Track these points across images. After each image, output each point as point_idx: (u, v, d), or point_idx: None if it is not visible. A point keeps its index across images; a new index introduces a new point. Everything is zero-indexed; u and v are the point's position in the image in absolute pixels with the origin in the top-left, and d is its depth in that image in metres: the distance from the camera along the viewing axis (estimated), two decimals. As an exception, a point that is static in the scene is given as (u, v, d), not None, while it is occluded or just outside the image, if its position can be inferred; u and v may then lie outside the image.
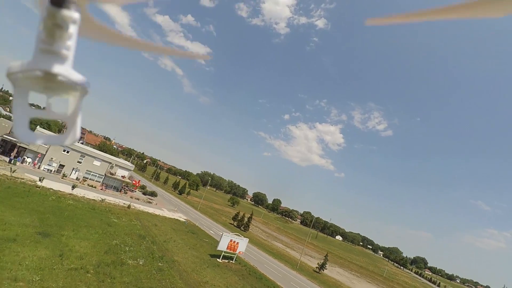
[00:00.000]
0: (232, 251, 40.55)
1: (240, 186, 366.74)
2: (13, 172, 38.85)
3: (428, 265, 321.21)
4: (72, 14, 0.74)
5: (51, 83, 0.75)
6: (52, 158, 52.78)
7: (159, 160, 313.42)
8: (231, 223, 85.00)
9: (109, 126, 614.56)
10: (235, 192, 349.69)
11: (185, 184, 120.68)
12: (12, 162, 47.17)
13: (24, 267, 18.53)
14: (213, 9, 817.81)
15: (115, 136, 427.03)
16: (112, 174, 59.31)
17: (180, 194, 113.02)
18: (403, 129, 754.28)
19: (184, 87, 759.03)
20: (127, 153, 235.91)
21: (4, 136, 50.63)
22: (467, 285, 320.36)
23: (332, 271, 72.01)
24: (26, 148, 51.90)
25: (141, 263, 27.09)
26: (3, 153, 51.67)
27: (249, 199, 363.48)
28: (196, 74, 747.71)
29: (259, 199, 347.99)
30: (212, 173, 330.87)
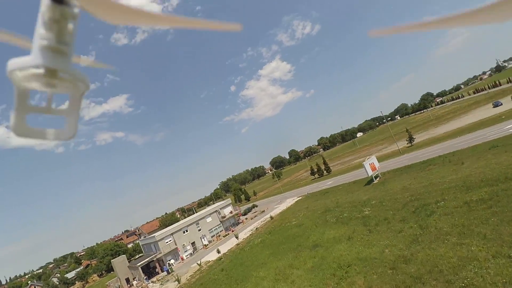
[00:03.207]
0: (375, 170, 46.97)
1: (257, 166, 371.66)
2: (200, 266, 42.20)
3: (435, 94, 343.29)
4: (72, 10, 0.74)
5: (52, 80, 0.76)
6: (183, 244, 56.35)
7: (187, 205, 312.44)
8: (313, 179, 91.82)
9: (114, 223, 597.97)
10: (258, 174, 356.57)
11: (244, 191, 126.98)
12: (170, 272, 49.13)
13: None
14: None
15: (130, 224, 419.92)
16: (224, 217, 63.67)
17: (248, 200, 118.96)
18: (327, 16, 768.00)
19: (136, 142, 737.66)
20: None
21: (139, 264, 52.80)
22: (472, 84, 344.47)
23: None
24: (157, 259, 54.21)
25: (369, 209, 32.68)
26: (150, 277, 52.97)
27: (269, 170, 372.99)
28: (134, 124, 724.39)
29: (279, 162, 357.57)
30: (232, 176, 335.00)
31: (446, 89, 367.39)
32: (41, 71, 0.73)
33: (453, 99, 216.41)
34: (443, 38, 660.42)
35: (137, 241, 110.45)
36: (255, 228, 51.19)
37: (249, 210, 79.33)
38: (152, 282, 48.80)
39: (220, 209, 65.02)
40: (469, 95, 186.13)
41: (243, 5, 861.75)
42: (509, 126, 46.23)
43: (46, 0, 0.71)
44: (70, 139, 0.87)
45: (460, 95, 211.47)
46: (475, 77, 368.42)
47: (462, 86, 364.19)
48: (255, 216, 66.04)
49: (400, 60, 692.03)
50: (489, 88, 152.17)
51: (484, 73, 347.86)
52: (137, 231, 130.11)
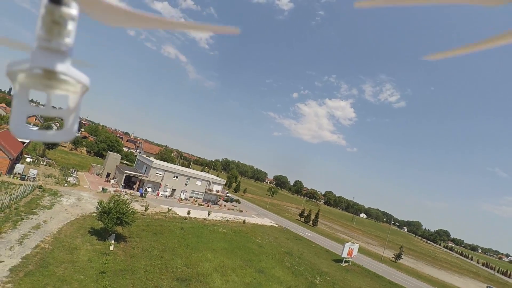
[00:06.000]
0: (349, 256, 48.85)
1: (262, 170, 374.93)
2: (169, 211, 46.39)
3: (451, 236, 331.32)
4: (70, 11, 0.75)
5: (51, 81, 0.77)
6: (166, 185, 60.84)
7: (186, 152, 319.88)
8: (297, 219, 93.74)
9: (122, 120, 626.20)
10: (257, 177, 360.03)
11: (239, 182, 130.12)
12: (143, 196, 54.55)
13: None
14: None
15: (133, 130, 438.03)
16: (210, 190, 67.50)
17: (236, 192, 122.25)
18: (416, 100, 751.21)
19: (189, 73, 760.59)
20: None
21: (126, 172, 58.08)
22: (489, 255, 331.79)
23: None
24: (143, 180, 59.19)
25: (321, 280, 35.09)
26: (126, 187, 58.45)
27: (268, 181, 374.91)
28: (200, 59, 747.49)
29: (281, 182, 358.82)
30: (236, 161, 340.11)
31: (464, 241, 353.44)
32: (40, 72, 0.75)
33: (461, 254, 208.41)
34: (496, 197, 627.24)
35: (133, 151, 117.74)
36: (226, 219, 54.53)
37: (231, 200, 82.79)
38: (125, 191, 53.47)
39: (213, 182, 68.85)
40: (477, 262, 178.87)
41: (365, 38, 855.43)
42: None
43: (45, 0, 0.72)
44: (68, 141, 0.88)
45: (470, 256, 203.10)
46: (496, 252, 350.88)
47: (479, 250, 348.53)
48: (233, 209, 69.38)
49: (446, 187, 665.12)
50: (498, 272, 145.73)
51: (507, 255, 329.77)
52: (137, 142, 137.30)
